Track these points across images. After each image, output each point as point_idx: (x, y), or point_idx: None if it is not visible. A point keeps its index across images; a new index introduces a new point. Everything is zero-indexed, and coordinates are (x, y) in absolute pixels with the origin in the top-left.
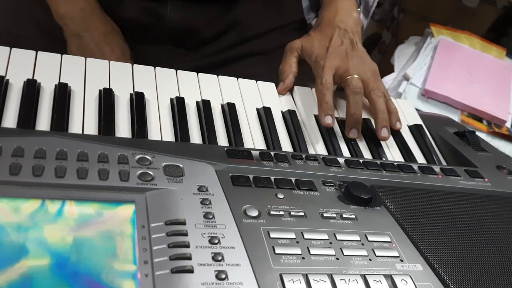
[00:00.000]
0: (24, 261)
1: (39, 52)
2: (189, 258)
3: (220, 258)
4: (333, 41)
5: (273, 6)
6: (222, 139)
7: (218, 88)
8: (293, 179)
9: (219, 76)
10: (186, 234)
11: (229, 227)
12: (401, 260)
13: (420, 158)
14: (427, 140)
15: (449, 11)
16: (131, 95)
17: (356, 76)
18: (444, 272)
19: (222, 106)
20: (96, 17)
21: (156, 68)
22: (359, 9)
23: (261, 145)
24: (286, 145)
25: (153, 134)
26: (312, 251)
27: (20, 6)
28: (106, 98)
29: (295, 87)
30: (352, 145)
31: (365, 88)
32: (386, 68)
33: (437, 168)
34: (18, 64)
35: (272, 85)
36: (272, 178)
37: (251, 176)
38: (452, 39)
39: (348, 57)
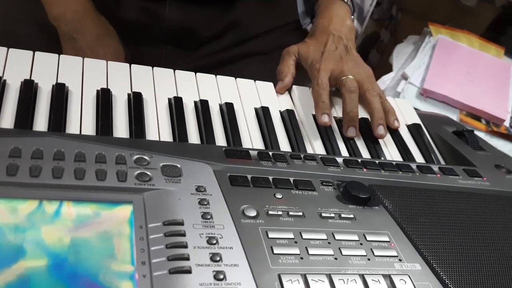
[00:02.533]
0: (21, 262)
1: (36, 52)
2: (187, 259)
3: (218, 258)
4: (328, 46)
5: (271, 6)
6: (220, 139)
7: (216, 88)
8: (291, 179)
9: (217, 76)
10: (184, 235)
11: (227, 227)
12: (400, 260)
13: (419, 158)
14: (426, 139)
15: (448, 10)
16: (128, 95)
17: (351, 76)
18: (443, 271)
19: (220, 106)
20: (89, 19)
21: (154, 68)
22: (352, 16)
23: (259, 145)
24: (284, 145)
25: (151, 134)
26: (311, 251)
27: (20, 6)
28: (104, 98)
29: (294, 86)
30: (350, 144)
31: (360, 88)
32: (384, 68)
33: (435, 168)
34: (16, 64)
35: (271, 85)
36: (270, 178)
37: (249, 176)
38: (451, 38)
39: (343, 61)
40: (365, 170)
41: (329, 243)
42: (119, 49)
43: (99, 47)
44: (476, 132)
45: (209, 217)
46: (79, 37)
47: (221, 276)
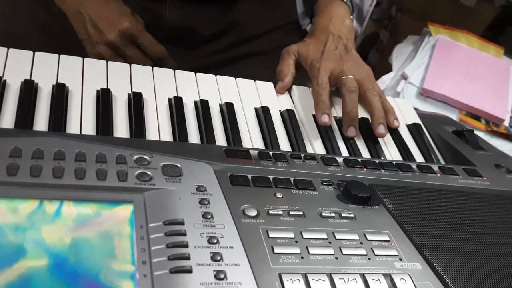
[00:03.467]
0: (22, 262)
1: (36, 53)
2: (188, 258)
3: (219, 258)
4: (328, 45)
5: (272, 6)
6: (220, 139)
7: (216, 88)
8: (291, 179)
9: (217, 76)
10: (184, 234)
11: (227, 227)
12: (400, 259)
13: (419, 157)
14: (426, 139)
15: (447, 10)
16: (129, 95)
17: (351, 76)
18: (443, 271)
19: (220, 105)
20: None
21: (154, 68)
22: (352, 16)
23: (260, 145)
24: (284, 145)
25: (151, 134)
26: (311, 251)
27: (20, 6)
28: (104, 98)
29: (294, 86)
30: (350, 144)
31: (360, 87)
32: (384, 68)
33: (435, 167)
34: (16, 64)
35: (271, 84)
36: (271, 177)
37: (249, 176)
38: (450, 38)
39: (343, 60)
40: (365, 169)
41: (329, 242)
42: (126, 9)
43: (109, 10)
44: (476, 132)
45: (209, 216)
46: (84, 10)
47: (222, 276)
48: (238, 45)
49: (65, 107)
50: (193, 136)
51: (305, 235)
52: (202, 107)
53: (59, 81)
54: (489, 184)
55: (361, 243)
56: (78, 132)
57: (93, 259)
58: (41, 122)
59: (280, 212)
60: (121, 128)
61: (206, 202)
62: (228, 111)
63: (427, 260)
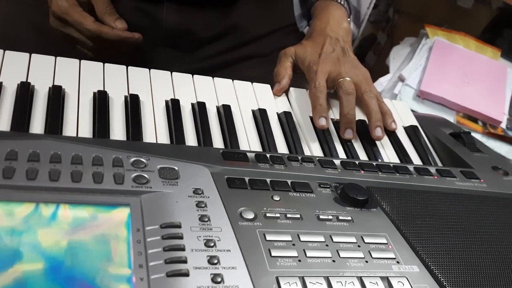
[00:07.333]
0: (18, 266)
1: (33, 55)
2: (185, 262)
3: (216, 261)
4: (325, 48)
5: (269, 9)
6: (217, 141)
7: (213, 90)
8: (289, 181)
9: (215, 78)
10: (181, 237)
11: (225, 230)
12: (398, 262)
13: (416, 159)
14: (423, 141)
15: (444, 12)
16: (125, 97)
17: (348, 78)
18: (441, 273)
19: (218, 108)
20: None
21: (151, 70)
22: (349, 19)
23: (257, 147)
24: (281, 147)
25: (148, 136)
26: (308, 254)
27: (16, 9)
28: (101, 101)
29: (291, 88)
30: (347, 146)
31: (358, 90)
32: (381, 70)
33: (432, 169)
34: (12, 66)
35: (268, 86)
36: (268, 180)
37: (246, 179)
38: (447, 40)
39: (340, 62)
40: (362, 172)
41: (326, 245)
42: None
43: None
44: (473, 134)
45: (206, 219)
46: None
47: (219, 279)
48: (236, 48)
49: (61, 109)
50: (190, 139)
51: (302, 238)
52: (199, 109)
53: (55, 84)
54: (486, 186)
55: (359, 246)
56: (75, 135)
57: (89, 263)
58: (37, 124)
59: (277, 215)
60: (117, 130)
61: (203, 205)
62: (225, 113)
63: (425, 262)
